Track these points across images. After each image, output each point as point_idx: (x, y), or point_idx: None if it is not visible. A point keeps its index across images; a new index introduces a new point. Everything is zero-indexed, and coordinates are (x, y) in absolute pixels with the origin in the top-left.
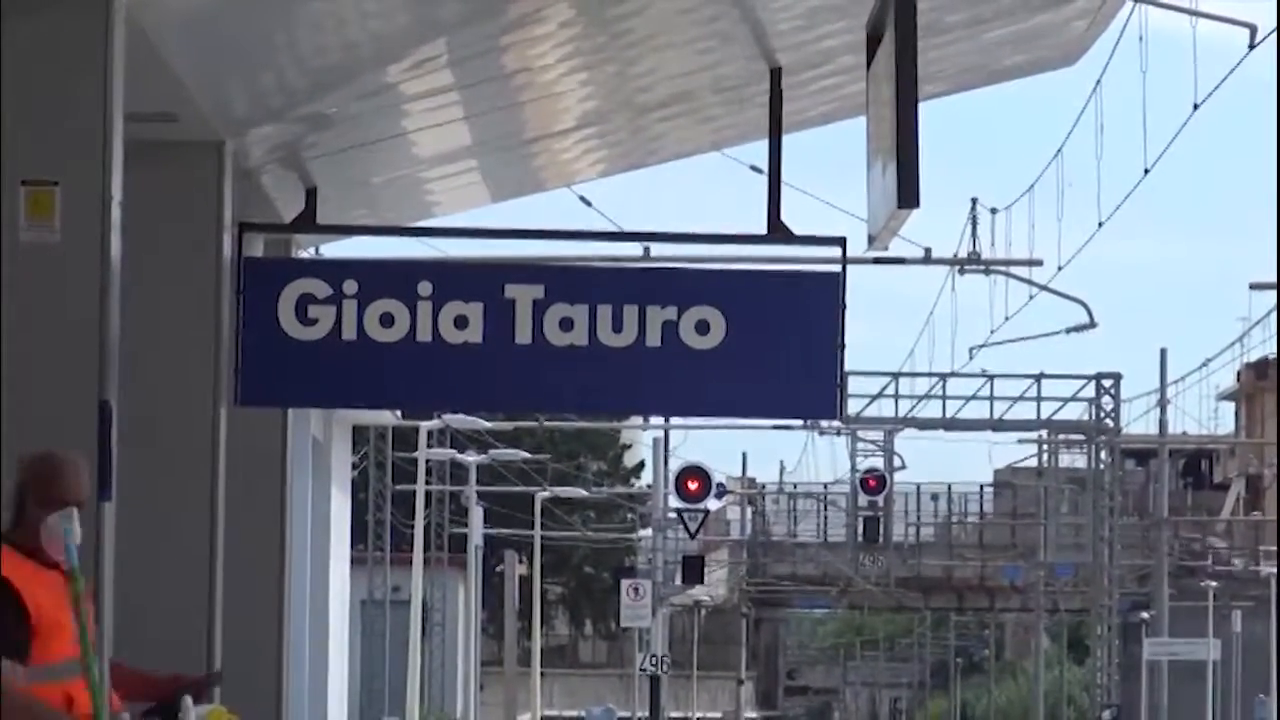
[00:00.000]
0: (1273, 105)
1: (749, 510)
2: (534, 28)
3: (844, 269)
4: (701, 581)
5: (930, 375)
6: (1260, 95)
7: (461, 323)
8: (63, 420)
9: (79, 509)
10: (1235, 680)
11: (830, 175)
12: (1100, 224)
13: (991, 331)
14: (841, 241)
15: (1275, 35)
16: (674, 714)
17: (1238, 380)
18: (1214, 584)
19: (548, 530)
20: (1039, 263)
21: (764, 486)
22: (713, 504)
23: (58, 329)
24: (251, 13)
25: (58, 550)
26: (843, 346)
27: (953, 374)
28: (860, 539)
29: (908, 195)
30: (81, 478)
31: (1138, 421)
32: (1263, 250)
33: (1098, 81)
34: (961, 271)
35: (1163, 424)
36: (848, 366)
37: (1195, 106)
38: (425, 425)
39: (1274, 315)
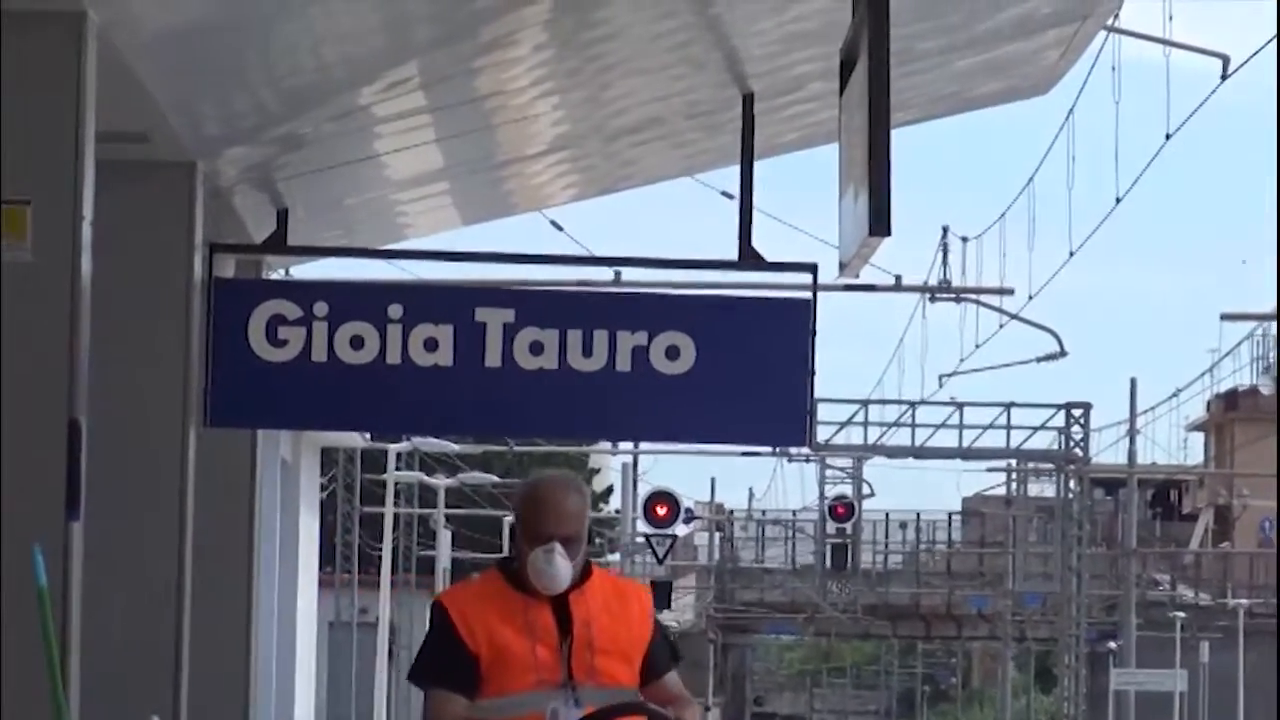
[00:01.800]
0: (1262, 129)
1: (717, 536)
2: (507, 51)
3: (814, 296)
4: (669, 607)
5: (900, 403)
6: (1233, 125)
7: (431, 345)
8: (32, 438)
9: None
10: (1202, 712)
11: (802, 201)
12: (1071, 253)
13: (961, 360)
14: (813, 268)
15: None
16: None
17: (1207, 411)
18: (1181, 615)
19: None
20: (1010, 291)
21: (732, 513)
22: (681, 529)
23: (28, 347)
24: (225, 33)
25: (546, 586)
26: (812, 373)
27: (922, 402)
28: (828, 566)
29: (879, 223)
30: (553, 516)
31: (1107, 451)
32: (1234, 281)
33: (1070, 111)
34: (932, 299)
35: (1132, 454)
36: (817, 393)
37: (1168, 136)
38: (394, 448)
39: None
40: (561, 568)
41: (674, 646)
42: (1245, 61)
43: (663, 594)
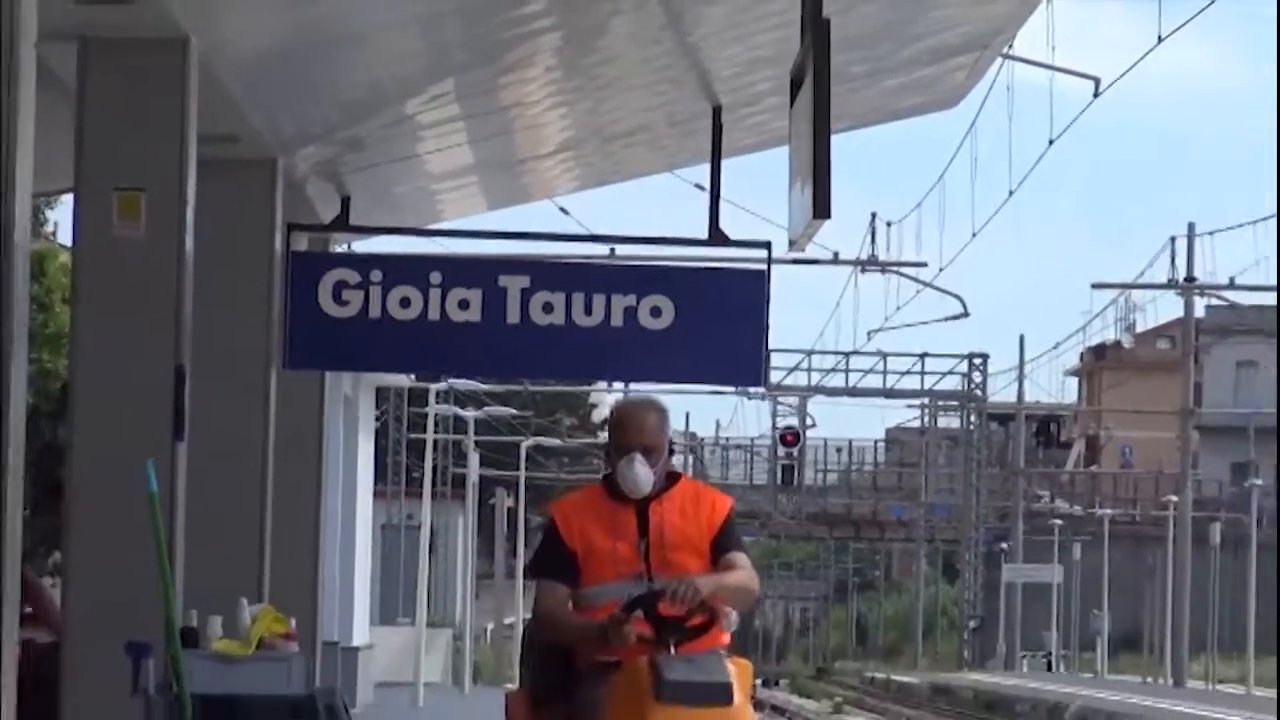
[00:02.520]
0: (1125, 136)
1: (690, 458)
2: (524, 71)
3: (769, 267)
4: None
5: (836, 353)
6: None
7: (464, 305)
8: (147, 379)
9: (645, 455)
10: (1074, 598)
11: (759, 191)
12: (974, 234)
13: (885, 319)
14: (767, 245)
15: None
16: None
17: (1080, 360)
18: (1058, 522)
19: (530, 472)
20: (924, 264)
21: (702, 439)
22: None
23: (143, 308)
24: (299, 57)
25: (630, 489)
26: (766, 329)
27: (854, 352)
28: (779, 482)
29: (821, 208)
30: (634, 429)
31: (1001, 392)
32: (1102, 255)
33: (973, 121)
34: (862, 270)
35: (1020, 394)
36: (770, 344)
37: (1050, 142)
38: (434, 386)
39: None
40: (641, 473)
41: (741, 539)
42: (1114, 82)
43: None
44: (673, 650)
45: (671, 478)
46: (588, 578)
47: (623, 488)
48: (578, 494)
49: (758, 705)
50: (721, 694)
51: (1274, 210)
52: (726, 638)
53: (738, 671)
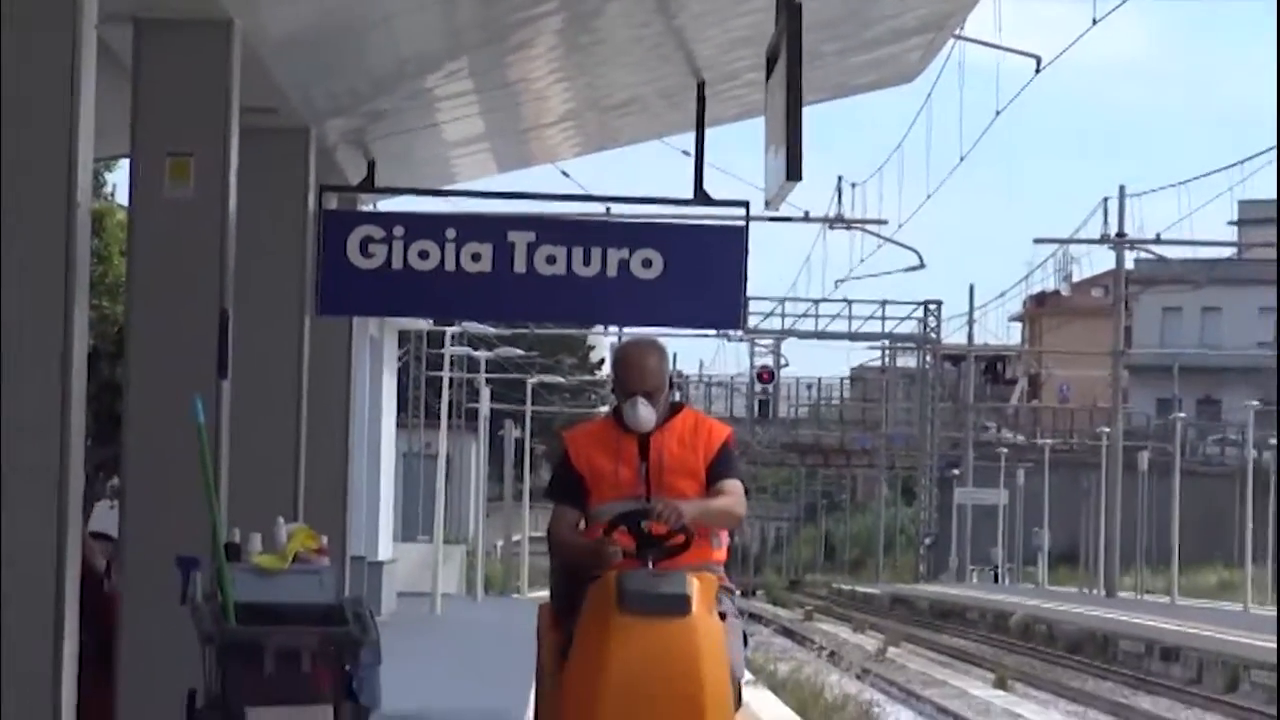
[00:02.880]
0: (1062, 108)
1: (676, 394)
2: (530, 49)
3: (747, 224)
4: None
5: (806, 300)
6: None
7: (476, 257)
8: (196, 323)
9: (646, 398)
10: (1018, 519)
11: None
12: (929, 195)
13: (850, 270)
14: (746, 204)
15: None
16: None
17: (1023, 307)
18: (1004, 450)
19: (535, 406)
20: (884, 222)
21: (688, 377)
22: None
23: (191, 260)
24: (330, 37)
25: (634, 427)
26: (745, 278)
27: (822, 300)
28: (755, 415)
29: (793, 171)
30: (636, 374)
31: (953, 335)
32: (1042, 214)
33: (928, 95)
34: (830, 227)
35: (970, 337)
36: (748, 293)
37: (997, 113)
38: (450, 330)
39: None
40: (644, 413)
41: (736, 466)
42: (1053, 60)
43: None
44: (650, 565)
45: (675, 408)
46: (595, 498)
47: (629, 425)
48: (589, 424)
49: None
50: (677, 605)
51: (1204, 172)
52: (721, 554)
53: (702, 587)
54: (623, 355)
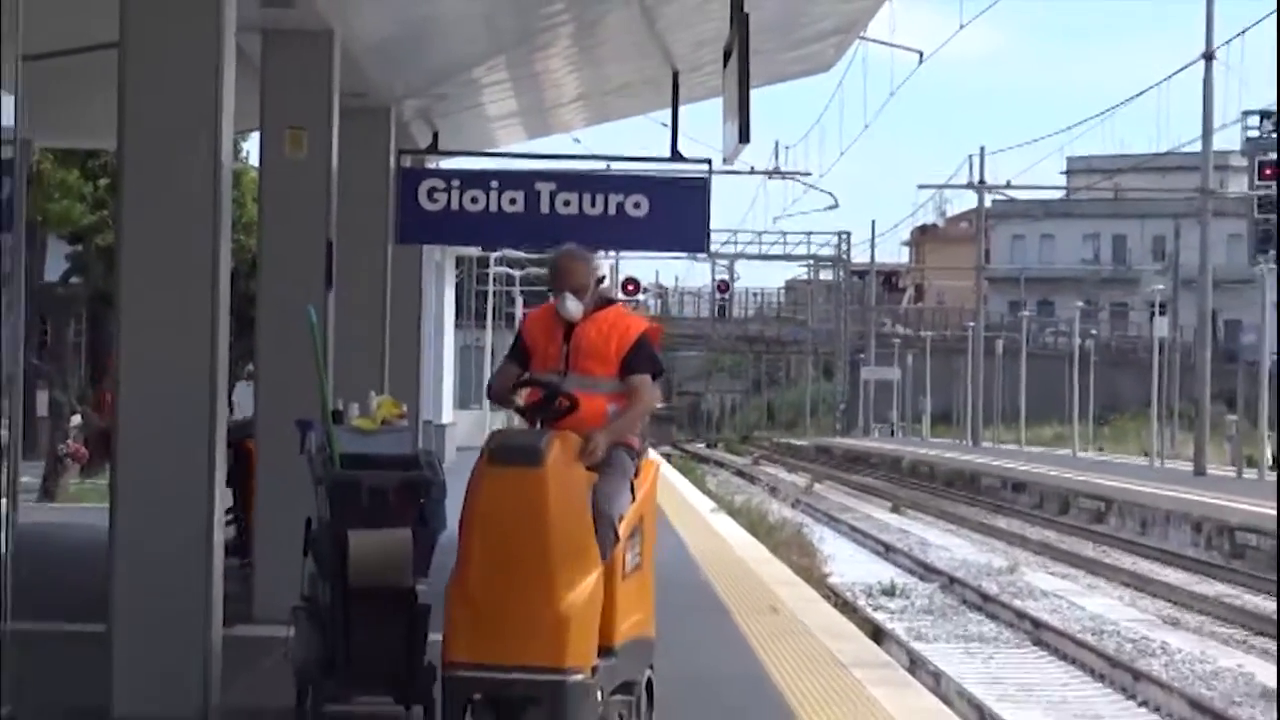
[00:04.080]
0: (938, 94)
1: (659, 301)
2: (549, 49)
3: (710, 176)
4: None
5: (752, 231)
6: (925, 86)
7: (512, 202)
8: (308, 250)
9: (574, 294)
10: (907, 390)
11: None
12: (841, 153)
13: (784, 210)
14: (709, 161)
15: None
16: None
17: (911, 236)
18: (897, 340)
19: None
20: (809, 174)
21: (667, 288)
22: (640, 297)
23: (304, 205)
24: (403, 42)
25: (565, 318)
26: (708, 215)
27: (764, 231)
28: (716, 315)
29: (744, 136)
30: (564, 275)
31: (860, 256)
32: (924, 167)
33: (840, 80)
34: (769, 177)
35: (872, 257)
36: (711, 226)
37: (891, 93)
38: (493, 255)
39: (930, 203)
40: (571, 307)
41: (654, 362)
42: (933, 53)
43: None
44: (538, 425)
45: (606, 304)
46: (532, 367)
47: (559, 314)
48: (539, 308)
49: (702, 459)
50: (530, 457)
51: (1042, 135)
52: (635, 439)
53: (562, 445)
54: (556, 261)
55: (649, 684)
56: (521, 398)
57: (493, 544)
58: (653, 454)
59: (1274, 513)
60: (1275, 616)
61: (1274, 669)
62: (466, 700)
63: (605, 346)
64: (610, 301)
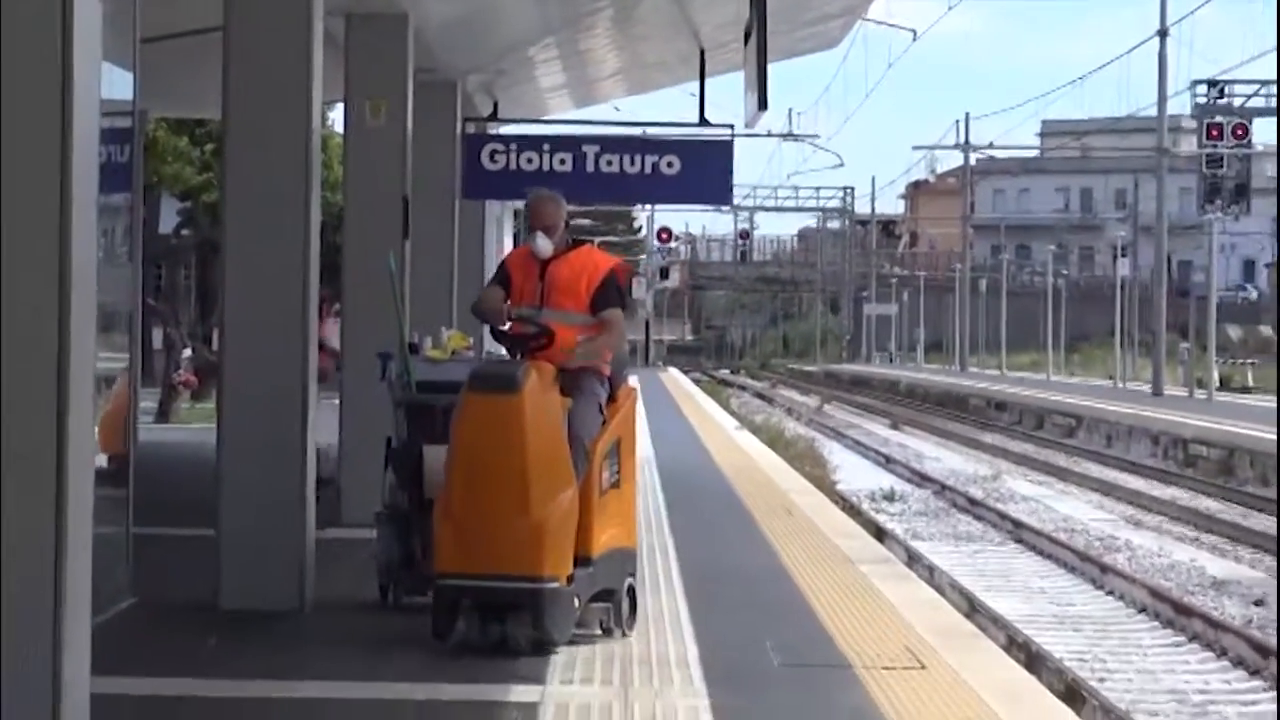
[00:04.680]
0: (930, 65)
1: (689, 247)
2: (593, 30)
3: (732, 139)
4: (668, 278)
5: (770, 186)
6: (919, 60)
7: (562, 162)
8: (386, 206)
9: (544, 233)
10: (904, 323)
11: (727, 95)
12: (846, 119)
13: (796, 169)
14: (732, 126)
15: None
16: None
17: (906, 190)
18: (895, 280)
19: None
20: (817, 135)
21: (695, 236)
22: (673, 244)
23: (383, 166)
24: (469, 24)
25: (536, 254)
26: (732, 172)
27: (779, 186)
28: (739, 259)
29: (762, 104)
30: (536, 215)
31: (862, 207)
32: (918, 130)
33: (845, 55)
34: (783, 140)
35: (872, 209)
36: (734, 181)
37: (889, 66)
38: None
39: (922, 162)
40: (541, 244)
41: (622, 296)
42: (925, 31)
43: (665, 273)
44: (518, 356)
45: (577, 245)
46: (511, 299)
47: (533, 252)
48: (520, 247)
49: (727, 384)
50: (506, 384)
51: (1020, 102)
52: (605, 367)
53: (539, 376)
54: (530, 203)
55: (630, 590)
56: (507, 326)
57: (475, 465)
58: (633, 381)
59: (1222, 427)
60: (1225, 517)
61: (1223, 563)
62: (455, 606)
63: (576, 283)
64: (580, 242)
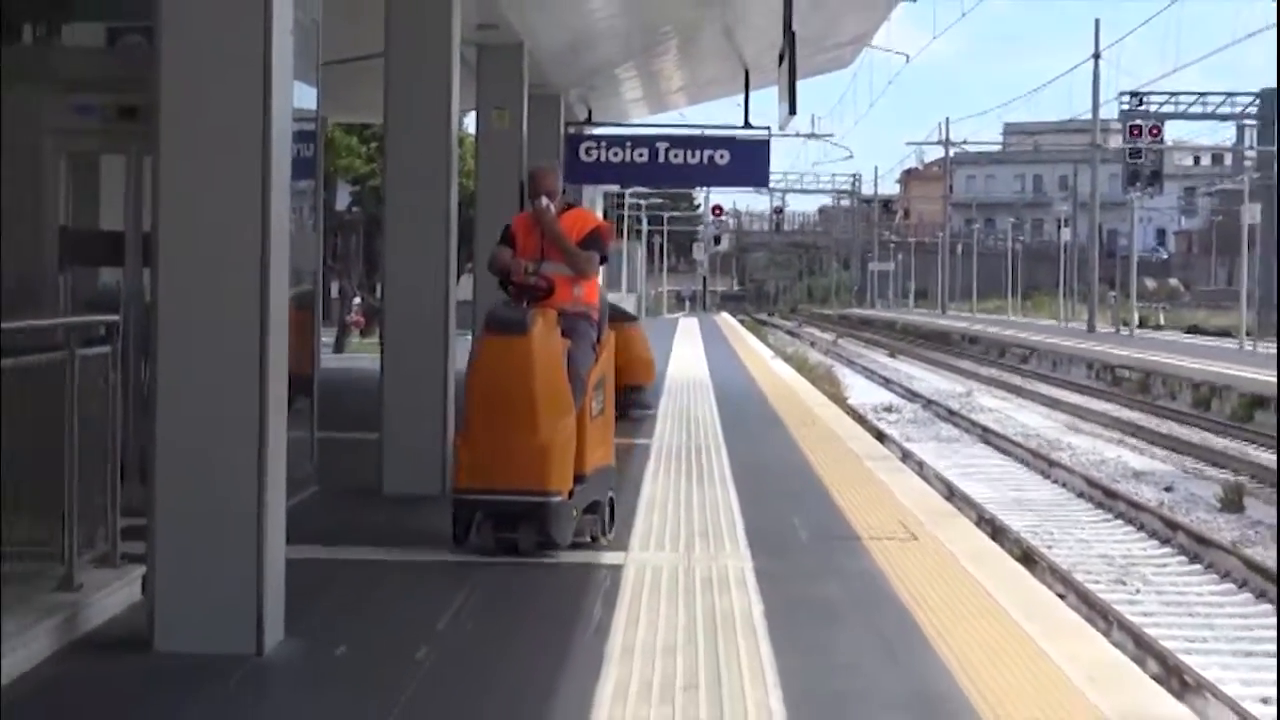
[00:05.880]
0: (921, 88)
1: (736, 219)
2: (663, 55)
3: (770, 138)
4: (720, 244)
5: (798, 173)
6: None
7: (640, 155)
8: (508, 190)
9: (547, 199)
10: (899, 277)
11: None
12: (855, 122)
13: (815, 161)
14: (769, 128)
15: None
16: (710, 289)
17: (901, 176)
18: (893, 244)
19: (669, 228)
20: (833, 135)
21: (741, 211)
22: (724, 218)
23: (505, 160)
24: (572, 50)
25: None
26: (768, 161)
27: (804, 173)
28: (774, 229)
29: (792, 111)
30: (538, 181)
31: (867, 189)
32: (910, 130)
33: (854, 73)
34: (808, 138)
35: (875, 190)
36: (770, 169)
37: (890, 82)
38: (628, 190)
39: (913, 156)
40: (546, 207)
41: (601, 247)
42: (917, 55)
43: (718, 239)
44: (525, 304)
45: (569, 207)
46: (516, 254)
47: (534, 214)
48: (525, 212)
49: (764, 324)
50: (516, 326)
51: (987, 109)
52: (587, 296)
53: (544, 320)
54: (531, 172)
55: (611, 502)
56: (517, 278)
57: (490, 396)
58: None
59: (1141, 356)
60: (1143, 424)
61: (1141, 459)
62: (471, 518)
63: (571, 230)
64: (572, 205)
